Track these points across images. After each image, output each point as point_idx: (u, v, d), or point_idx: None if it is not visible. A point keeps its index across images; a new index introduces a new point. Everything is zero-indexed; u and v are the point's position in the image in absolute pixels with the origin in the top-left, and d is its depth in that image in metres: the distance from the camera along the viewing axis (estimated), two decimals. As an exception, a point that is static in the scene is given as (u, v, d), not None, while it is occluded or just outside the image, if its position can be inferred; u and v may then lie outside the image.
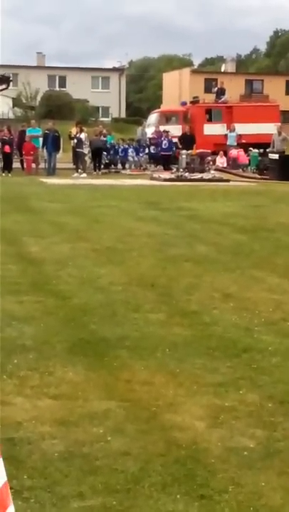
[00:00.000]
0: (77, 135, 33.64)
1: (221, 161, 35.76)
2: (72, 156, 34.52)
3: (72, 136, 34.22)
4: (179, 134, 37.51)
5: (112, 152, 36.43)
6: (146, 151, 37.03)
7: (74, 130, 34.46)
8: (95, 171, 33.73)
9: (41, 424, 5.15)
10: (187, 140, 35.30)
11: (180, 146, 34.86)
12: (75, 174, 31.80)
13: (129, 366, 6.42)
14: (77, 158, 33.54)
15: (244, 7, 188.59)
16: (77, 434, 4.99)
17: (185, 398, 5.71)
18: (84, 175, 31.49)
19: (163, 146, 35.64)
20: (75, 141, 33.56)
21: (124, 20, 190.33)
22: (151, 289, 9.35)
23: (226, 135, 38.20)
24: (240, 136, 37.65)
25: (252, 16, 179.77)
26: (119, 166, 36.23)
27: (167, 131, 36.79)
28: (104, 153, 35.16)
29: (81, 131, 34.01)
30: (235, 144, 37.40)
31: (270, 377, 6.22)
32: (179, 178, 29.23)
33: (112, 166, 35.90)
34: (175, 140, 36.50)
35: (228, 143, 37.46)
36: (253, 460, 4.69)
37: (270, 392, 5.84)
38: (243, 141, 38.08)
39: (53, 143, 32.89)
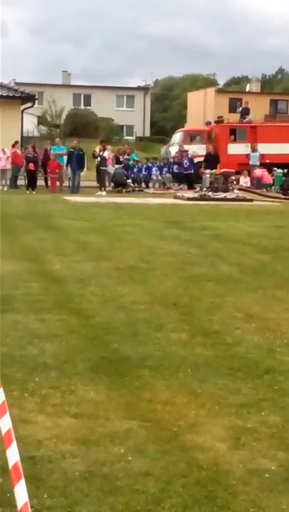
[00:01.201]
0: (101, 153, 33.74)
1: (244, 180, 35.73)
2: (96, 174, 34.62)
3: (96, 154, 34.33)
4: (204, 153, 37.53)
5: (135, 170, 36.51)
6: (170, 169, 37.04)
7: (98, 148, 34.59)
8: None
9: (62, 442, 5.14)
10: (211, 159, 35.33)
11: (204, 166, 34.90)
12: (99, 192, 31.88)
13: (151, 386, 6.40)
14: (101, 176, 33.63)
15: (268, 27, 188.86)
16: (97, 454, 4.99)
17: (206, 419, 5.69)
18: (104, 193, 31.54)
19: (184, 165, 35.67)
20: (99, 159, 33.66)
21: (149, 39, 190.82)
22: (173, 308, 9.34)
23: (248, 155, 38.21)
24: (262, 156, 37.65)
25: (276, 36, 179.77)
26: (143, 184, 36.26)
27: (186, 151, 36.81)
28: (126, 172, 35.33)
29: (104, 149, 34.10)
30: (258, 163, 37.40)
31: (293, 399, 6.18)
32: (202, 198, 29.18)
33: (136, 184, 35.95)
34: (199, 159, 36.53)
35: (250, 163, 37.47)
36: (274, 482, 4.66)
37: (292, 414, 5.81)
38: (267, 160, 38.07)
39: (77, 161, 33.00)
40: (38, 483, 4.51)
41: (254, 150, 37.95)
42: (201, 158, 36.80)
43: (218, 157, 35.79)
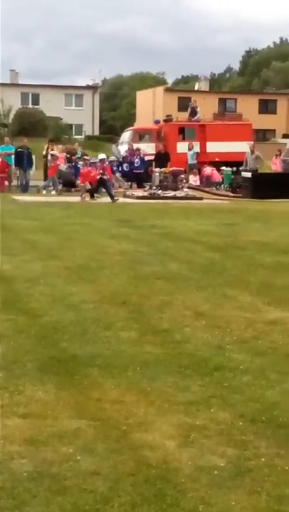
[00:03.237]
0: (48, 152, 33.64)
1: (194, 179, 35.88)
2: (44, 173, 34.42)
3: (44, 154, 34.23)
4: (153, 152, 37.59)
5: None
6: (120, 168, 37.01)
7: (45, 148, 34.53)
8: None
9: (10, 443, 5.09)
10: (162, 158, 35.41)
11: (154, 164, 34.98)
12: (44, 191, 31.68)
13: (100, 385, 6.38)
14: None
15: (217, 25, 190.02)
16: (46, 454, 4.95)
17: (156, 417, 5.68)
18: (54, 192, 31.38)
19: (135, 164, 35.67)
20: (49, 158, 33.50)
21: (97, 38, 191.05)
22: (122, 306, 9.32)
23: (198, 153, 38.39)
24: (197, 154, 37.91)
25: (224, 34, 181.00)
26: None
27: (139, 149, 36.83)
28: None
29: (51, 148, 34.02)
30: (195, 161, 37.56)
31: (241, 395, 6.20)
32: (152, 196, 29.24)
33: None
34: (148, 158, 36.59)
35: (188, 162, 37.55)
36: (223, 479, 4.67)
37: (241, 411, 5.83)
38: (216, 159, 38.26)
39: (27, 160, 32.87)
40: (-14, 484, 4.46)
41: (190, 148, 38.07)
42: (151, 157, 36.87)
43: (169, 156, 35.88)
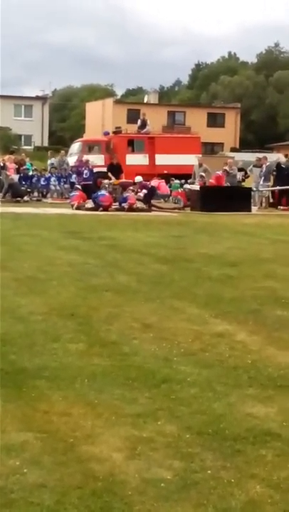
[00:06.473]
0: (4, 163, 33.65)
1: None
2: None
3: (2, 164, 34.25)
4: (102, 163, 37.62)
5: (34, 180, 36.36)
6: (68, 180, 36.96)
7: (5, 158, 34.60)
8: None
9: None
10: (115, 170, 35.48)
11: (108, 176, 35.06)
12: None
13: (48, 397, 6.37)
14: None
15: (165, 38, 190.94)
16: (-7, 467, 4.93)
17: (103, 429, 5.69)
18: None
19: (84, 176, 35.65)
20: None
21: (46, 48, 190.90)
22: (71, 318, 9.31)
23: (147, 165, 38.52)
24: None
25: (173, 47, 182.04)
26: (36, 194, 36.15)
27: (88, 161, 36.85)
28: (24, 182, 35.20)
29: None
30: None
31: (188, 408, 6.24)
32: (101, 208, 29.23)
33: (34, 194, 35.81)
34: (97, 169, 36.60)
35: None
36: (170, 492, 4.69)
37: (188, 423, 5.86)
38: (165, 171, 38.42)
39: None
40: None
41: None
42: (100, 169, 36.88)
43: (121, 167, 35.94)
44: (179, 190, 34.19)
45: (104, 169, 36.67)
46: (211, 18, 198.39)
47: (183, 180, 35.94)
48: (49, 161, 40.22)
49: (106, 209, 28.71)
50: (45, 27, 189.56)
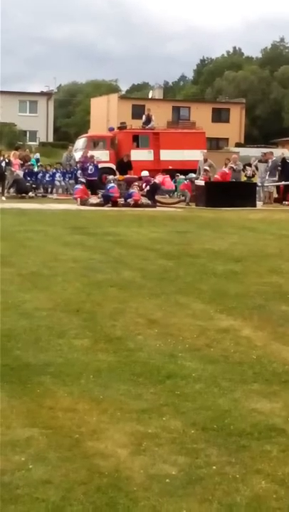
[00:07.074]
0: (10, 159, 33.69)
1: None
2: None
3: (7, 160, 34.24)
4: (107, 159, 37.64)
5: (40, 176, 36.36)
6: (73, 175, 36.96)
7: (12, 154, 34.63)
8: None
9: None
10: (124, 166, 35.49)
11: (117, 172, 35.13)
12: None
13: (53, 393, 6.38)
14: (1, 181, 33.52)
15: (170, 33, 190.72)
16: (-2, 463, 4.94)
17: (108, 425, 5.69)
18: (3, 198, 31.36)
19: (89, 172, 35.63)
20: (3, 164, 33.41)
21: (50, 44, 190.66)
22: (76, 314, 9.31)
23: (152, 161, 38.51)
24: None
25: (178, 42, 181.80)
26: (41, 189, 36.13)
27: (93, 157, 36.83)
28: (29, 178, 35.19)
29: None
30: None
31: (193, 403, 6.24)
32: (106, 203, 29.22)
33: (40, 190, 35.80)
34: (102, 165, 36.60)
35: None
36: (174, 487, 4.69)
37: (193, 419, 5.86)
38: (170, 167, 38.40)
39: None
40: None
41: None
42: (104, 164, 36.89)
43: (131, 165, 35.90)
44: (185, 181, 34.07)
45: (109, 165, 36.68)
46: (215, 12, 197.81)
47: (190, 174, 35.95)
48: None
49: (115, 201, 28.71)
50: (49, 22, 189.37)
